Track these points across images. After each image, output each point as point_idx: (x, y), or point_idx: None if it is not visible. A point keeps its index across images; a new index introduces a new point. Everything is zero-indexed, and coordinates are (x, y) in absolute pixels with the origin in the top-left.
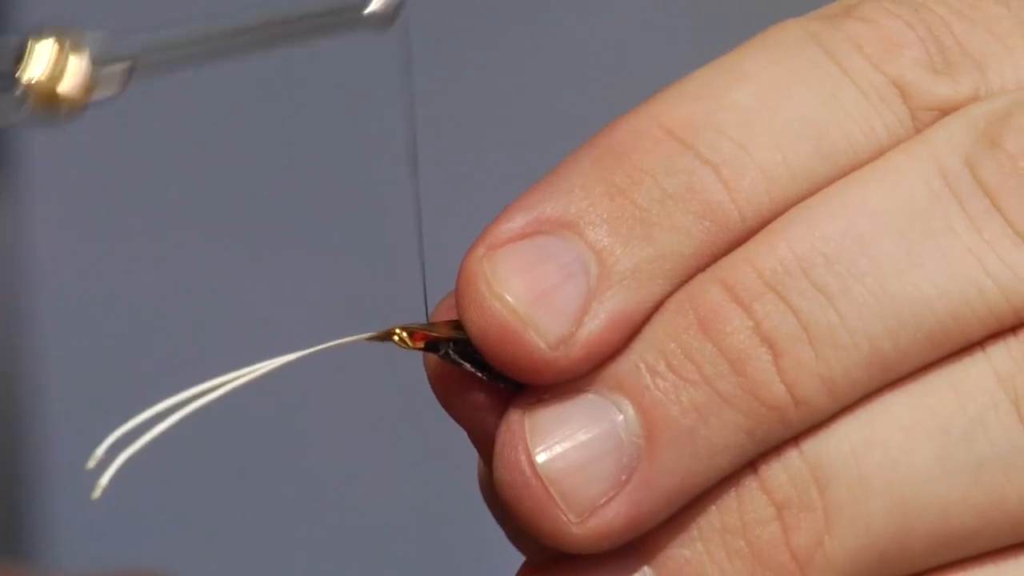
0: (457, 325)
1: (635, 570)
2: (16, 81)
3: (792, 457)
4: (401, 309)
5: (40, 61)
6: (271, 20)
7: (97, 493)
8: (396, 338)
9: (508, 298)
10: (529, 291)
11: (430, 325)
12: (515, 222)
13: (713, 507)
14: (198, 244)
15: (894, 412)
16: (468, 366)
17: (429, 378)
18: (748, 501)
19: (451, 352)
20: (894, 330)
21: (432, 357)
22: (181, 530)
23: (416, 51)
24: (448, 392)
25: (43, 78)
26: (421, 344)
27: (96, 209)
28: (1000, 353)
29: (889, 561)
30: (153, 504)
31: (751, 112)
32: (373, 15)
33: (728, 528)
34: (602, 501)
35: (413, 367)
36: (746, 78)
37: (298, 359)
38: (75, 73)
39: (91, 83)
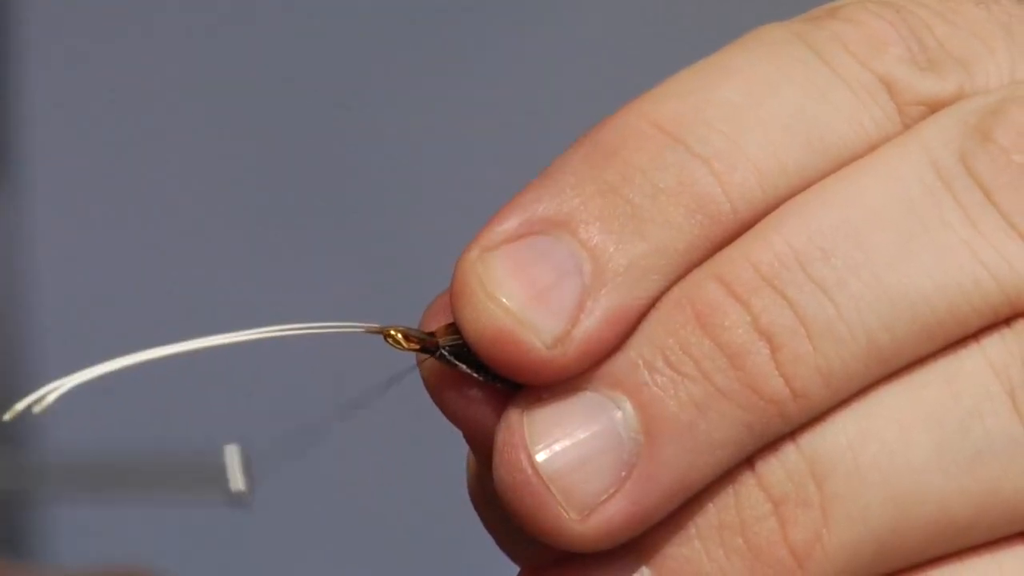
0: (452, 328)
1: (634, 570)
2: None
3: (789, 452)
4: (401, 309)
5: None
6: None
7: (9, 416)
8: (390, 339)
9: (503, 300)
10: (524, 292)
11: (425, 332)
12: (508, 223)
13: (711, 505)
14: (199, 244)
15: (890, 405)
16: (464, 367)
17: (424, 379)
18: (745, 498)
19: (447, 353)
20: (891, 322)
21: (428, 363)
22: (178, 528)
23: (417, 50)
24: (444, 393)
25: None
26: (416, 346)
27: (96, 208)
28: (995, 345)
29: (887, 553)
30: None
31: (741, 107)
32: (230, 494)
33: (726, 525)
34: (603, 498)
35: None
36: (735, 75)
37: (290, 335)
38: None
39: None
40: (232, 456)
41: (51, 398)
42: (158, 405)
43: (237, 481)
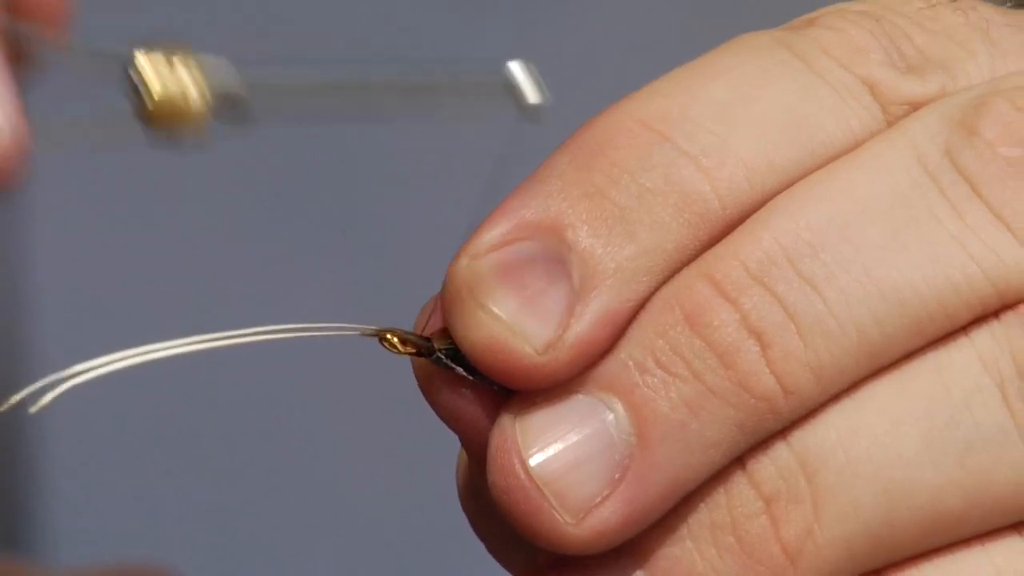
0: (447, 333)
1: (627, 572)
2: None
3: (779, 449)
4: (397, 310)
5: (157, 75)
6: (409, 82)
7: (35, 409)
8: (386, 343)
9: (493, 308)
10: (514, 298)
11: (420, 336)
12: (496, 230)
13: (702, 504)
14: (197, 244)
15: (880, 399)
16: (460, 371)
17: (418, 381)
18: (736, 496)
19: (442, 357)
20: (881, 316)
21: (422, 364)
22: (179, 527)
23: (416, 47)
24: (438, 395)
25: (163, 94)
26: (412, 350)
27: (96, 208)
28: (984, 337)
29: (879, 547)
30: (151, 501)
31: (728, 105)
32: (528, 107)
33: (717, 524)
34: (597, 500)
35: (404, 370)
36: (721, 75)
37: (286, 337)
38: (196, 90)
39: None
40: (519, 71)
41: (48, 398)
42: (155, 408)
43: (531, 94)
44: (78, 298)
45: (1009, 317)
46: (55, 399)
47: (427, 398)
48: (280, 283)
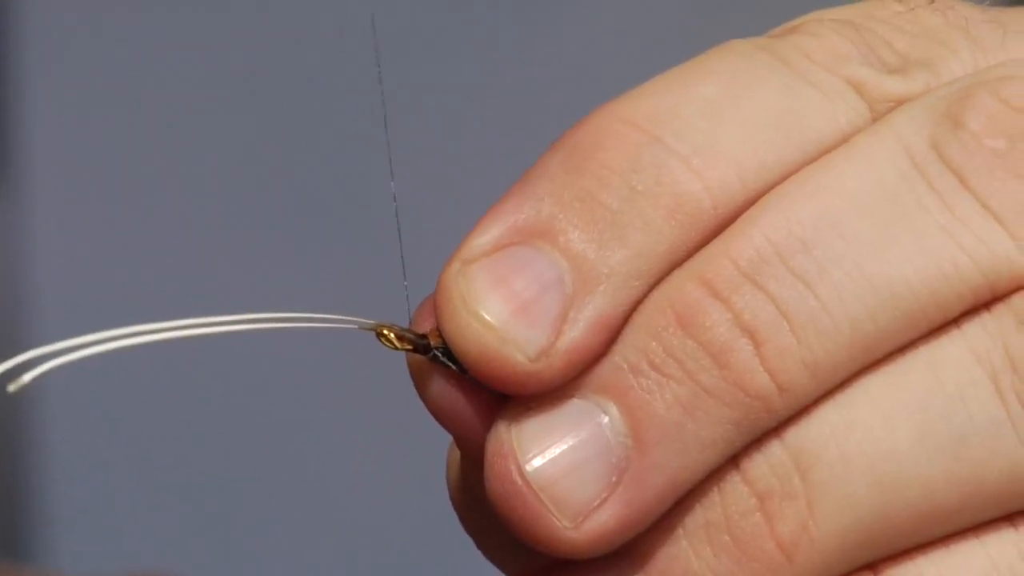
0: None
1: (623, 573)
2: None
3: (772, 447)
4: (388, 307)
5: None
6: None
7: (13, 388)
8: (383, 338)
9: (485, 316)
10: (506, 306)
11: (417, 333)
12: (488, 235)
13: (696, 504)
14: (197, 240)
15: (874, 393)
16: (456, 368)
17: (413, 378)
18: (730, 494)
19: (438, 355)
20: (874, 310)
21: (416, 361)
22: (180, 530)
23: (409, 50)
24: (430, 393)
25: None
26: (409, 346)
27: (96, 207)
28: (975, 330)
29: (874, 541)
30: (152, 504)
31: (715, 104)
32: None
33: (712, 523)
34: (595, 504)
35: (401, 365)
36: (707, 76)
37: (282, 327)
38: None
39: None
40: None
41: (28, 377)
42: (149, 390)
43: None
44: (78, 298)
45: (1000, 309)
46: (37, 379)
47: (420, 394)
48: (281, 282)
